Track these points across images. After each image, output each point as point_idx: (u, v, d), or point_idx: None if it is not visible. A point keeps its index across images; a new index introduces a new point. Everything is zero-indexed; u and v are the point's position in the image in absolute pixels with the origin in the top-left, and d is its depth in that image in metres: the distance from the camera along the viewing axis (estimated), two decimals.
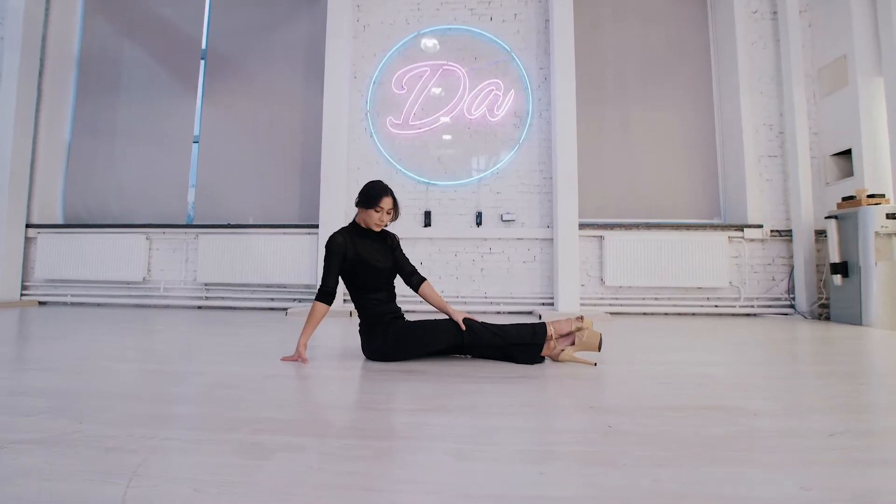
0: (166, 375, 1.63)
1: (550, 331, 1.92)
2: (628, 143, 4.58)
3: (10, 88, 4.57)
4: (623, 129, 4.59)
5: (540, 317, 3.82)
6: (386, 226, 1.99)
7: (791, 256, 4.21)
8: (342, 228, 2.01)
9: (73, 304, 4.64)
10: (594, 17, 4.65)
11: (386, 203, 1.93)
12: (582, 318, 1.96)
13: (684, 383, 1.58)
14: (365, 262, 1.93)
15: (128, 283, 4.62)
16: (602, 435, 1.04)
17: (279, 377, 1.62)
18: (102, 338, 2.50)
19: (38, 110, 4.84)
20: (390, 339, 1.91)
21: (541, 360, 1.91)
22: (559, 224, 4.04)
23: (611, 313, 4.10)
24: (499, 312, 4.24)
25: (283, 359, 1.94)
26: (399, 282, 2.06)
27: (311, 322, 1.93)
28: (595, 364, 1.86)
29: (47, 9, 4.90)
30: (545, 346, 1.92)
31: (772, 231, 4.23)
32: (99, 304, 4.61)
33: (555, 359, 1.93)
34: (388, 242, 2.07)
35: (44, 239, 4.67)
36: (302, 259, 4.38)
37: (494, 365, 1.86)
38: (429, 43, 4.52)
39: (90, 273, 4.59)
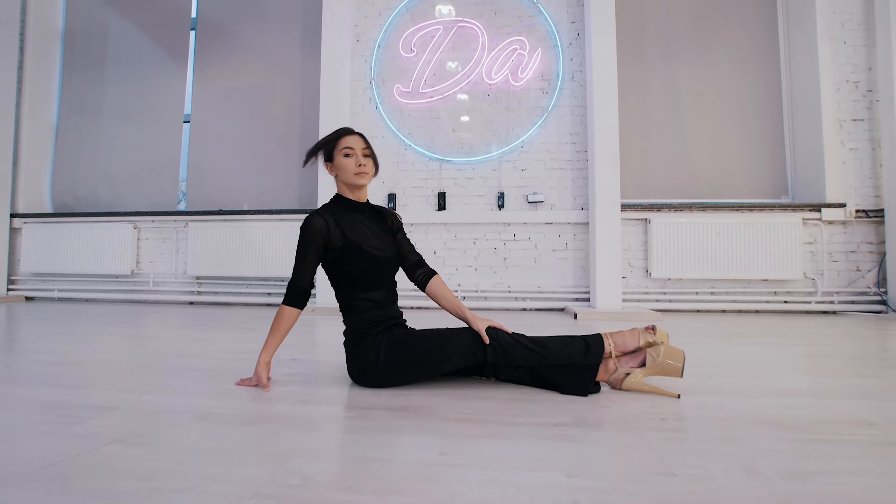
0: (63, 411, 1.13)
1: (609, 346, 1.34)
2: (676, 108, 3.89)
3: None
4: (670, 93, 3.90)
5: (575, 316, 3.23)
6: (367, 174, 1.42)
7: (882, 242, 3.47)
8: (323, 206, 1.45)
9: (60, 299, 4.29)
10: None
11: (350, 141, 1.42)
12: (654, 328, 1.37)
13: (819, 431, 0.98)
14: (357, 249, 1.38)
15: (116, 276, 4.25)
16: None
17: (215, 418, 1.10)
18: (56, 340, 2.05)
19: (20, 90, 4.46)
20: (383, 356, 1.36)
21: (596, 388, 1.33)
22: (597, 205, 3.41)
23: (658, 311, 3.46)
24: (524, 309, 3.67)
25: (239, 382, 1.43)
26: (401, 276, 1.52)
27: (277, 333, 1.39)
28: (679, 396, 1.28)
29: None
30: (602, 369, 1.34)
31: (857, 211, 3.50)
32: (87, 300, 4.25)
33: (615, 386, 1.35)
34: (389, 223, 1.53)
35: (30, 229, 4.33)
36: None
37: (531, 396, 1.30)
38: None
39: (78, 266, 4.23)
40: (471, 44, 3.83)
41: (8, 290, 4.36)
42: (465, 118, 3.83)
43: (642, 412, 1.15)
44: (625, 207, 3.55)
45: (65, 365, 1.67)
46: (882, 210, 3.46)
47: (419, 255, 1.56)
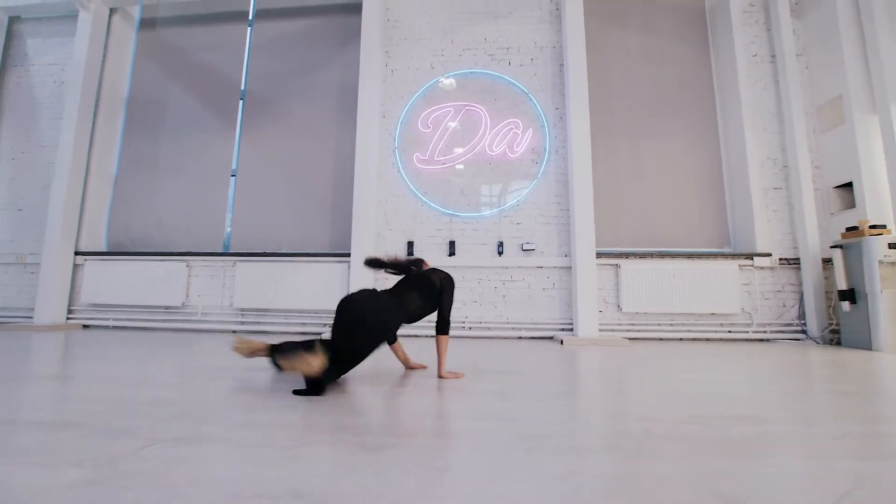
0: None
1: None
2: (640, 175, 4.87)
3: (69, 129, 5.00)
4: (635, 163, 4.89)
5: (562, 342, 4.01)
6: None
7: (800, 283, 4.40)
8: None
9: (114, 327, 4.90)
10: (605, 60, 5.03)
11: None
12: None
13: (708, 398, 1.78)
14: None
15: (167, 307, 4.89)
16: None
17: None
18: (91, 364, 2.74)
19: (90, 146, 5.24)
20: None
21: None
22: (577, 253, 4.28)
23: (628, 338, 4.28)
24: (520, 337, 4.44)
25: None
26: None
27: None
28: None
29: (104, 56, 5.38)
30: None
31: (780, 259, 4.44)
32: (139, 328, 4.86)
33: None
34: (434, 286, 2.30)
35: (90, 265, 4.98)
36: (333, 286, 4.63)
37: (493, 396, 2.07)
38: (452, 85, 4.90)
39: (132, 298, 4.87)
40: (476, 123, 4.80)
41: (67, 318, 4.95)
42: (471, 182, 4.74)
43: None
44: (599, 255, 4.43)
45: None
46: (798, 259, 4.41)
47: (447, 320, 2.30)
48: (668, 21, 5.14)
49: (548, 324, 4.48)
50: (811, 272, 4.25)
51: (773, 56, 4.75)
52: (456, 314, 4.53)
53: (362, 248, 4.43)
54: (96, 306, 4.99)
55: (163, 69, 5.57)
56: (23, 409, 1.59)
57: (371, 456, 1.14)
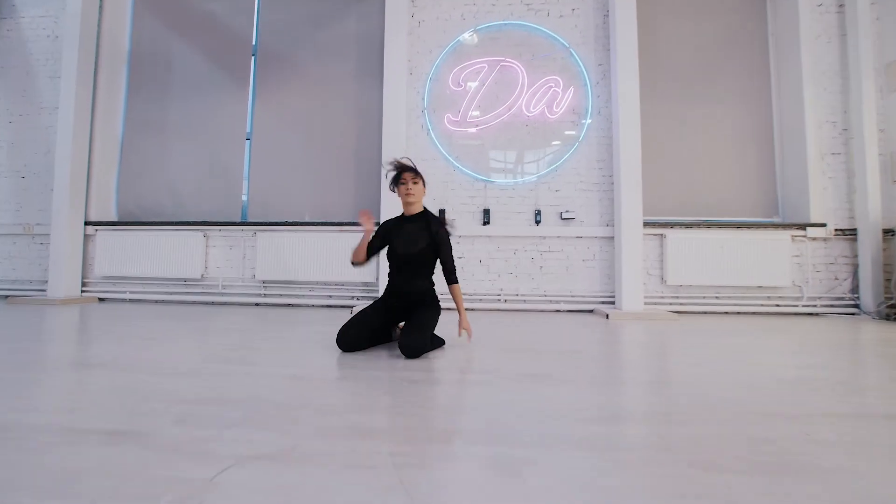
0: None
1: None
2: (685, 139, 4.54)
3: (69, 88, 4.61)
4: (679, 126, 4.55)
5: (607, 316, 3.81)
6: (413, 195, 2.30)
7: (855, 255, 4.17)
8: (396, 216, 2.45)
9: (131, 300, 4.70)
10: (649, 12, 4.58)
11: (407, 176, 2.29)
12: None
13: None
14: (390, 238, 2.35)
15: (185, 280, 4.68)
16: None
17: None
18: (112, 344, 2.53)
19: (93, 108, 4.87)
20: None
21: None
22: (623, 223, 4.02)
23: (672, 312, 4.09)
24: (558, 310, 4.25)
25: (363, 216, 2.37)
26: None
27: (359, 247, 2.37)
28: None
29: (101, 6, 4.91)
30: None
31: (836, 230, 4.19)
32: (157, 301, 4.67)
33: None
34: (430, 228, 2.29)
35: (102, 236, 4.72)
36: None
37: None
38: (474, 40, 4.48)
39: (148, 270, 4.65)
40: (511, 80, 4.41)
41: (82, 291, 4.74)
42: (507, 146, 4.41)
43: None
44: (643, 224, 4.17)
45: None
46: (855, 229, 4.16)
47: (453, 265, 2.34)
48: None
49: (587, 297, 4.27)
50: (869, 244, 4.01)
51: (842, 5, 4.31)
52: (490, 286, 4.33)
53: (391, 214, 4.15)
54: (111, 279, 4.77)
55: (165, 21, 5.10)
56: (56, 409, 1.37)
57: (515, 482, 0.93)
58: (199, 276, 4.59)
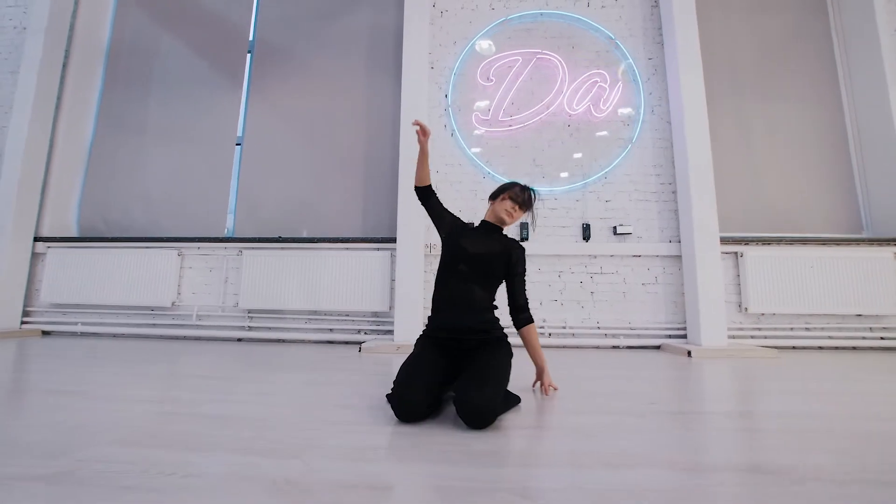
0: None
1: None
2: (747, 144, 3.91)
3: (27, 83, 3.92)
4: (742, 128, 3.93)
5: (689, 353, 3.00)
6: (512, 219, 1.72)
7: None
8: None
9: (83, 334, 3.79)
10: (700, 6, 4.07)
11: (520, 199, 1.70)
12: None
13: None
14: (453, 238, 1.70)
15: (153, 308, 3.80)
16: None
17: None
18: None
19: (58, 106, 4.16)
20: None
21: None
22: (695, 239, 3.29)
23: (762, 346, 3.28)
24: (616, 347, 3.43)
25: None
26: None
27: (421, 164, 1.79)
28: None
29: None
30: None
31: None
32: (115, 335, 3.77)
33: None
34: (505, 244, 1.71)
35: (54, 255, 3.88)
36: (372, 281, 3.59)
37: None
38: (491, 49, 3.89)
39: (108, 297, 3.78)
40: (550, 75, 3.80)
41: (22, 322, 3.83)
42: (546, 148, 3.73)
43: None
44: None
45: None
46: None
47: (526, 299, 1.74)
48: None
49: (651, 329, 3.47)
50: None
51: None
52: (533, 315, 3.50)
53: (412, 231, 3.40)
54: (61, 307, 3.88)
55: (152, 13, 4.50)
56: None
57: None
58: (168, 304, 3.73)
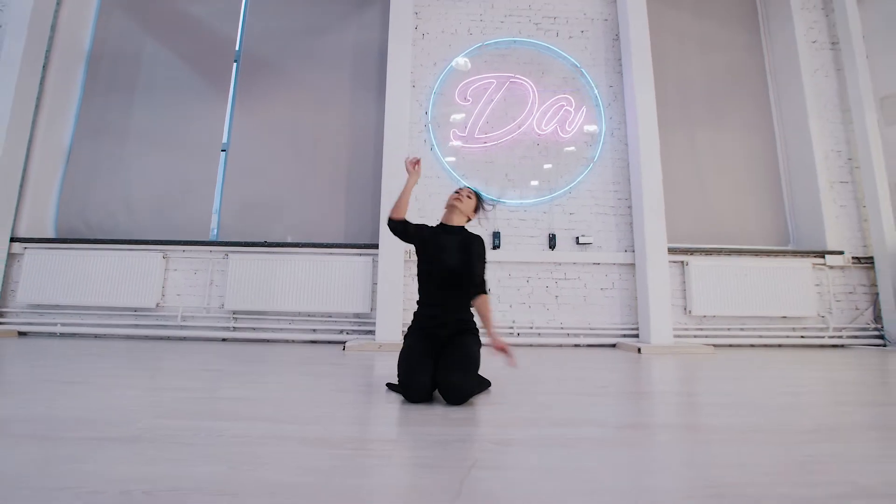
0: None
1: None
2: (695, 166, 4.41)
3: (8, 81, 3.92)
4: (689, 152, 4.43)
5: (639, 350, 3.39)
6: (460, 201, 1.97)
7: (874, 284, 4.05)
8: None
9: (62, 334, 3.82)
10: (655, 40, 4.55)
11: (465, 190, 2.01)
12: None
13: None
14: (428, 248, 1.89)
15: (136, 310, 3.88)
16: None
17: None
18: None
19: (38, 106, 4.17)
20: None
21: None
22: (647, 249, 3.71)
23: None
24: (577, 345, 3.80)
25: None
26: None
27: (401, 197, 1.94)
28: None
29: None
30: None
31: (853, 258, 4.07)
32: (96, 336, 3.82)
33: None
34: (468, 243, 1.90)
35: (32, 256, 3.89)
36: (354, 285, 3.81)
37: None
38: (467, 66, 4.24)
39: (88, 297, 3.82)
40: (522, 97, 4.17)
41: None
42: (517, 165, 4.09)
43: None
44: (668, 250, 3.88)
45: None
46: (871, 258, 4.06)
47: (482, 279, 1.89)
48: (719, 4, 4.76)
49: (608, 329, 3.86)
50: (888, 272, 3.90)
51: (834, 43, 4.45)
52: (502, 318, 3.84)
53: (393, 239, 3.65)
54: (38, 308, 3.89)
55: (136, 19, 4.58)
56: None
57: None
58: (153, 306, 3.82)
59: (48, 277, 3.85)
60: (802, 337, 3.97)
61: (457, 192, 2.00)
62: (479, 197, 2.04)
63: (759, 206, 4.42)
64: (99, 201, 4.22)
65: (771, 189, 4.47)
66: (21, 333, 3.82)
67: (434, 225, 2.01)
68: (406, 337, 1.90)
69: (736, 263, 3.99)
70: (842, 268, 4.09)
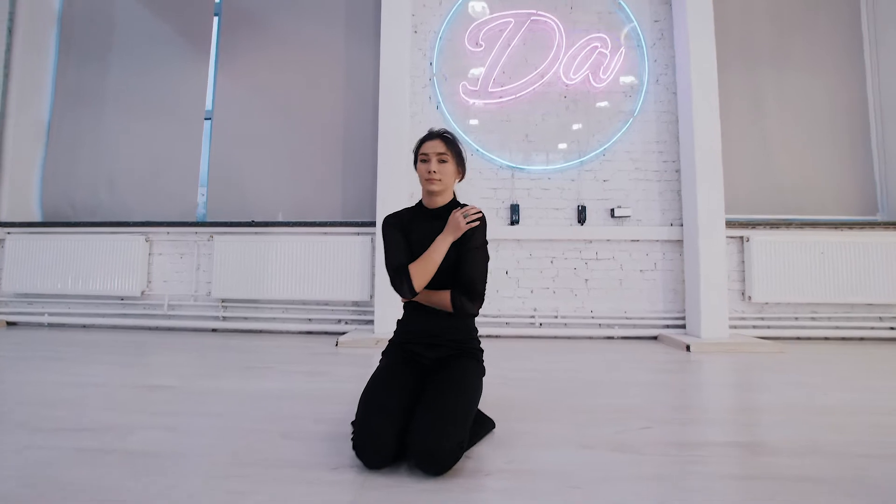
0: None
1: None
2: (758, 118, 3.59)
3: None
4: (752, 102, 3.60)
5: (688, 348, 2.81)
6: (439, 180, 1.33)
7: None
8: (405, 208, 1.45)
9: (51, 325, 3.60)
10: None
11: (427, 146, 1.34)
12: None
13: None
14: (413, 248, 1.35)
15: (122, 298, 3.60)
16: None
17: None
18: None
19: (6, 77, 3.80)
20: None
21: None
22: (699, 222, 3.04)
23: (761, 338, 3.10)
24: (610, 337, 3.24)
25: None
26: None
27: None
28: None
29: None
30: None
31: None
32: (84, 326, 3.58)
33: None
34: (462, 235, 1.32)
35: (15, 241, 3.63)
36: (351, 268, 3.36)
37: None
38: (486, 10, 3.50)
39: (73, 286, 3.56)
40: (546, 40, 3.44)
41: None
42: (540, 121, 3.42)
43: None
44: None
45: None
46: None
47: (470, 280, 1.30)
48: None
49: (648, 318, 3.28)
50: None
51: None
52: (521, 305, 3.31)
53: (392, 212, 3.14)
54: (26, 297, 3.67)
55: None
56: None
57: None
58: (138, 294, 3.52)
59: (32, 264, 3.60)
60: (892, 328, 3.25)
61: (422, 159, 1.34)
62: (452, 146, 1.36)
63: (839, 167, 3.59)
64: (82, 178, 3.89)
65: (857, 147, 3.61)
66: (10, 324, 3.63)
67: (412, 207, 1.45)
68: (383, 354, 1.42)
69: (809, 238, 3.26)
70: None
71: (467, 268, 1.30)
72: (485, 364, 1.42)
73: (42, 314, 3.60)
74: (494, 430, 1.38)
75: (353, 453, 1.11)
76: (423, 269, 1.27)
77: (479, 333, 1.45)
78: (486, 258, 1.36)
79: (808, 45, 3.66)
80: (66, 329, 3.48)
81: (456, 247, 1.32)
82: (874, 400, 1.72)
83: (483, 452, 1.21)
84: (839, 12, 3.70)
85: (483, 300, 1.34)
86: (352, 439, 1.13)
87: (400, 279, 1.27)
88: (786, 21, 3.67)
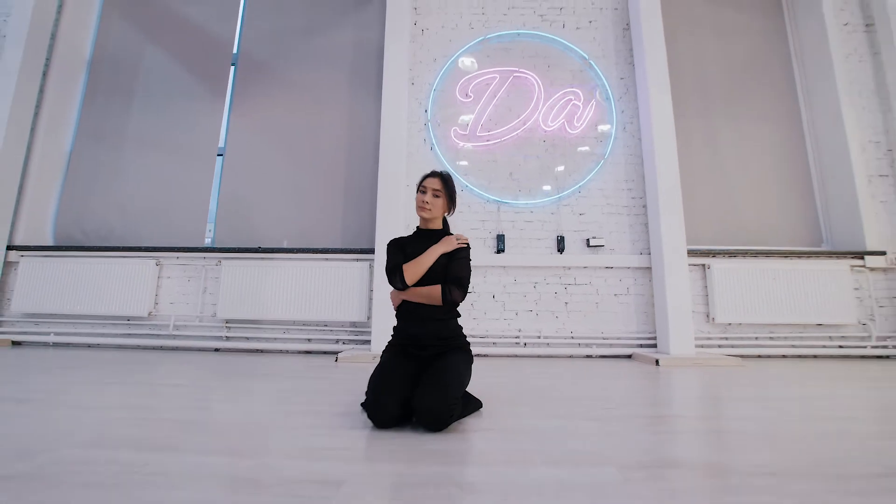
0: None
1: None
2: (716, 160, 4.09)
3: (6, 88, 3.90)
4: (709, 146, 4.11)
5: (657, 362, 3.09)
6: (429, 209, 1.68)
7: None
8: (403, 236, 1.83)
9: (56, 344, 3.74)
10: (669, 29, 4.28)
11: (427, 182, 1.69)
12: None
13: None
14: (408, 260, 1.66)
15: (129, 318, 3.77)
16: None
17: None
18: None
19: (37, 114, 4.15)
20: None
21: None
22: (664, 251, 3.41)
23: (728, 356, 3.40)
24: (589, 356, 3.51)
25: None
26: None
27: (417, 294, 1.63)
28: None
29: (60, 4, 4.33)
30: None
31: None
32: (90, 345, 3.72)
33: None
34: (450, 252, 1.67)
35: (28, 264, 3.83)
36: (350, 291, 3.63)
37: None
38: (474, 66, 4.03)
39: (82, 306, 3.74)
40: (527, 92, 3.94)
41: None
42: (523, 163, 3.85)
43: None
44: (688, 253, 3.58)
45: None
46: None
47: (455, 278, 1.61)
48: None
49: (623, 338, 3.57)
50: None
51: (868, 24, 4.10)
52: (506, 326, 3.59)
53: (389, 238, 3.46)
54: (33, 317, 3.82)
55: (136, 24, 4.54)
56: None
57: None
58: (145, 314, 3.70)
59: (43, 286, 3.79)
60: (841, 347, 3.59)
61: (421, 191, 1.68)
62: (447, 185, 1.69)
63: (788, 202, 4.07)
64: (96, 208, 4.16)
65: (800, 184, 4.11)
66: (15, 343, 3.75)
67: (411, 235, 1.79)
68: (383, 352, 1.69)
69: (763, 266, 3.65)
70: (884, 270, 3.71)
71: (456, 268, 1.63)
72: (472, 377, 1.71)
73: (48, 334, 3.74)
74: (482, 408, 1.63)
75: (364, 419, 1.37)
76: (414, 268, 1.60)
77: (455, 342, 1.72)
78: (470, 269, 1.68)
79: (754, 95, 4.24)
80: (71, 348, 3.62)
81: (447, 256, 1.65)
82: (818, 406, 2.02)
83: (471, 422, 1.46)
84: (777, 68, 4.31)
85: (466, 293, 1.64)
86: (363, 408, 1.40)
87: (395, 273, 1.60)
88: (734, 76, 4.26)
